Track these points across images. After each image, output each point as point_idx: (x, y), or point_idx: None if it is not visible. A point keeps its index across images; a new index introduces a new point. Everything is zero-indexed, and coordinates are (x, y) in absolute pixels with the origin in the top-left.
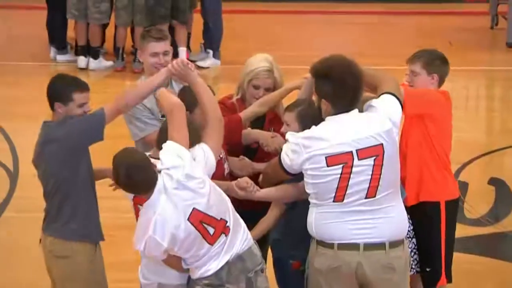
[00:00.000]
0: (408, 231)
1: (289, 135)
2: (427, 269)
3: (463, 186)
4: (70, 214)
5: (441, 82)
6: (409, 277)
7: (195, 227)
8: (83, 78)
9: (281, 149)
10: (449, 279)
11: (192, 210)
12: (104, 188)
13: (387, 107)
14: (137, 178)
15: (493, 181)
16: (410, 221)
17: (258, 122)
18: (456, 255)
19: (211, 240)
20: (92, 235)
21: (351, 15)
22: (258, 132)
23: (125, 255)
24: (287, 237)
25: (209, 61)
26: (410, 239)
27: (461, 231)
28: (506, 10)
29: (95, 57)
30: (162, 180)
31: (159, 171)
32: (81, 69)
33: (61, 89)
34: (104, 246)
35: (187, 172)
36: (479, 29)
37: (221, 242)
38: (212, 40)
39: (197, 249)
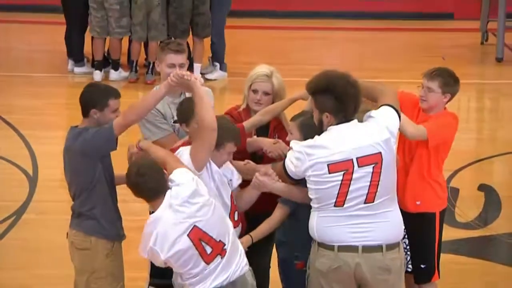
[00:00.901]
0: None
1: (293, 143)
2: (422, 266)
3: (455, 192)
4: (89, 213)
5: (450, 100)
6: None
7: (194, 244)
8: None
9: (285, 155)
10: (439, 275)
11: (193, 227)
12: (119, 192)
13: (385, 118)
14: (147, 178)
15: (482, 187)
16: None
17: (263, 130)
18: (447, 256)
19: (207, 259)
20: (108, 233)
21: (348, 31)
22: (262, 140)
23: (136, 254)
24: (291, 239)
25: (216, 74)
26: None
27: (452, 234)
28: (496, 27)
29: (116, 68)
30: (169, 194)
31: (170, 188)
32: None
33: (98, 96)
34: None
35: (194, 188)
36: (470, 44)
37: (216, 263)
38: (217, 53)
39: (193, 266)
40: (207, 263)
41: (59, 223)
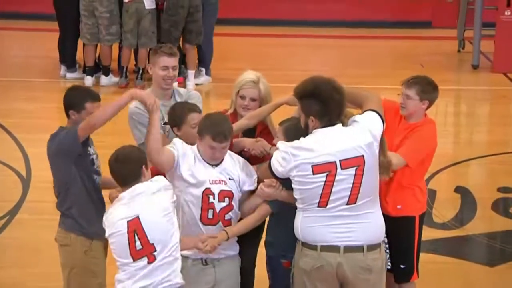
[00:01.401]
0: None
1: (280, 144)
2: (402, 266)
3: (432, 194)
4: (67, 212)
5: (429, 106)
6: None
7: (127, 231)
8: None
9: (267, 152)
10: (418, 274)
11: (135, 217)
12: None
13: (369, 123)
14: (122, 165)
15: (458, 189)
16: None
17: (250, 133)
18: (426, 255)
19: (134, 254)
20: (86, 231)
21: (331, 38)
22: (244, 140)
23: None
24: (278, 239)
25: (202, 78)
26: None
27: (430, 234)
28: (472, 35)
29: (106, 74)
30: (139, 185)
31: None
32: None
33: (75, 99)
34: None
35: (165, 184)
36: (448, 52)
37: (141, 266)
38: (204, 59)
39: (124, 256)
40: (134, 258)
41: (52, 223)
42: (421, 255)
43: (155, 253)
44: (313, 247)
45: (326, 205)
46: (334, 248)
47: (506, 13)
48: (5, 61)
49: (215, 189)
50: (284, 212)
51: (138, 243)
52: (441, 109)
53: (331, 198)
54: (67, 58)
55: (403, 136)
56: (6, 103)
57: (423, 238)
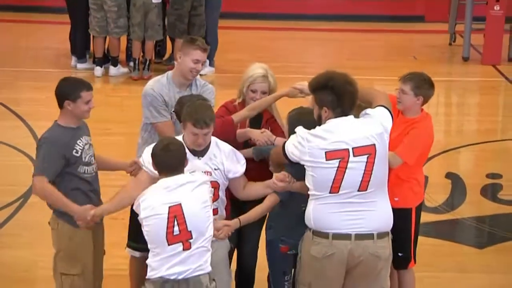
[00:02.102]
0: None
1: (298, 129)
2: (399, 254)
3: (424, 179)
4: None
5: (425, 102)
6: None
7: (168, 216)
8: (102, 84)
9: (272, 143)
10: (415, 262)
11: (177, 204)
12: (117, 178)
13: (380, 115)
14: (172, 153)
15: (449, 175)
16: None
17: (257, 122)
18: (419, 238)
19: (170, 239)
20: (72, 221)
21: (329, 32)
22: (250, 130)
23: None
24: (278, 224)
25: (206, 69)
26: None
27: (422, 217)
28: (463, 29)
29: (115, 65)
30: (185, 174)
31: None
32: (97, 77)
33: (69, 88)
34: (110, 227)
35: (205, 179)
36: (440, 45)
37: (177, 251)
38: (209, 51)
39: (157, 239)
40: (169, 243)
41: None
42: None
43: (190, 241)
44: (325, 235)
45: (338, 190)
46: (345, 236)
47: (495, 8)
48: (17, 52)
49: None
50: (287, 196)
51: (176, 228)
52: (433, 99)
53: (343, 184)
54: (78, 49)
55: (400, 130)
56: (18, 92)
57: None
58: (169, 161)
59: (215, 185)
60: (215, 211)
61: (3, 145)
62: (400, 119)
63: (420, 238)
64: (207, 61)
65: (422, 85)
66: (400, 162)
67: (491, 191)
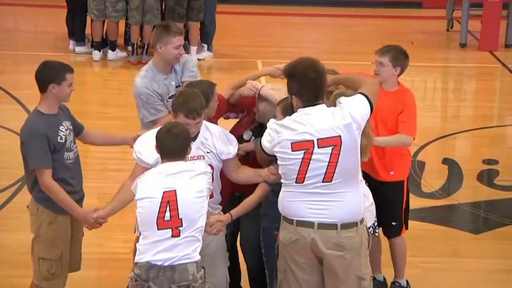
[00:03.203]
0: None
1: (270, 122)
2: (393, 223)
3: (421, 165)
4: (39, 192)
5: (401, 73)
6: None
7: (161, 201)
8: (100, 68)
9: (259, 91)
10: (406, 227)
11: (172, 190)
12: (114, 162)
13: (352, 105)
14: (175, 137)
15: (446, 161)
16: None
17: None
18: (415, 223)
19: (160, 224)
20: (53, 207)
21: (326, 17)
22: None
23: (128, 219)
24: (273, 212)
25: (204, 54)
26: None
27: (419, 203)
28: (460, 15)
29: (113, 49)
30: (187, 165)
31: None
32: (96, 61)
33: (54, 71)
34: None
35: (206, 170)
36: (437, 31)
37: (165, 237)
38: (207, 36)
39: (148, 223)
40: (158, 227)
41: None
42: (411, 222)
43: (180, 228)
44: (290, 221)
45: (303, 181)
46: (308, 224)
47: None
48: (15, 35)
49: None
50: (278, 185)
51: (167, 214)
52: (430, 85)
53: (307, 175)
54: (76, 32)
55: (389, 105)
56: (17, 75)
57: (413, 206)
58: (171, 144)
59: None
60: (210, 195)
61: (2, 128)
62: (381, 92)
63: (416, 223)
64: (205, 46)
65: (399, 57)
66: (412, 140)
67: (487, 177)
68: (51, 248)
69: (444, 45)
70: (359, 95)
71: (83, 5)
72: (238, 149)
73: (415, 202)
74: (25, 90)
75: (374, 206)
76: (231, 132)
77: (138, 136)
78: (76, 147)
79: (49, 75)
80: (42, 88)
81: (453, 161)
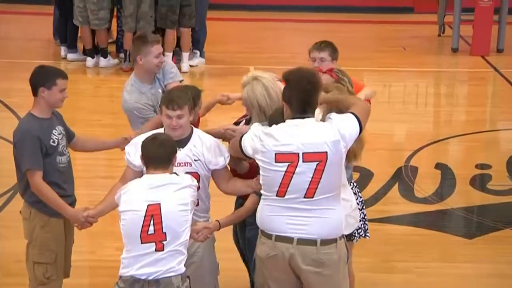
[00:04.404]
0: (360, 202)
1: (254, 125)
2: None
3: (414, 170)
4: (31, 195)
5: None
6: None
7: (145, 214)
8: (93, 75)
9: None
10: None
11: (157, 204)
12: (102, 169)
13: (342, 122)
14: (160, 146)
15: (438, 166)
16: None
17: None
18: (406, 228)
19: (144, 238)
20: (46, 210)
21: (318, 23)
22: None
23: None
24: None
25: (197, 60)
26: (361, 210)
27: (411, 208)
28: (452, 20)
29: (104, 56)
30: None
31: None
32: (88, 67)
33: (46, 76)
34: (101, 218)
35: (191, 183)
36: (429, 36)
37: (149, 251)
38: (198, 42)
39: (131, 237)
40: (142, 241)
41: None
42: (404, 227)
43: (164, 242)
44: (269, 236)
45: (284, 195)
46: (287, 239)
47: None
48: (6, 43)
49: (180, 171)
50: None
51: (151, 228)
52: (422, 90)
53: (289, 189)
54: (68, 39)
55: None
56: (8, 83)
57: (406, 211)
58: (156, 152)
59: (195, 176)
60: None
61: None
62: None
63: (409, 228)
64: (197, 53)
65: (335, 50)
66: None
67: (480, 182)
68: (45, 251)
69: (436, 50)
70: (349, 114)
71: (71, 12)
72: (233, 130)
73: (408, 207)
74: (17, 98)
75: (357, 211)
76: None
77: (126, 139)
78: (68, 152)
79: (40, 79)
80: (34, 91)
81: (446, 166)
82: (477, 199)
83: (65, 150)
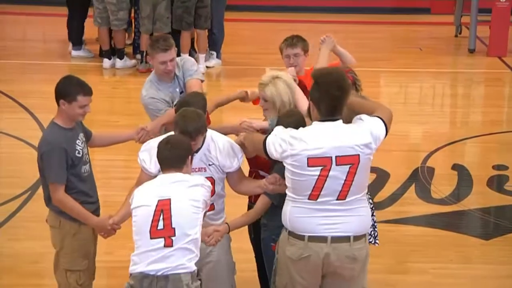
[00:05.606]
0: (371, 208)
1: (278, 129)
2: None
3: (430, 171)
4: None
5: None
6: None
7: (155, 209)
8: (110, 76)
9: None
10: None
11: (167, 199)
12: (119, 170)
13: (372, 124)
14: (173, 148)
15: (455, 167)
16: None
17: None
18: (423, 229)
19: (153, 233)
20: (73, 218)
21: (334, 24)
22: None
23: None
24: (272, 223)
25: (213, 61)
26: (372, 216)
27: (428, 209)
28: (469, 21)
29: (121, 57)
30: (184, 176)
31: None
32: (105, 68)
33: (68, 89)
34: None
35: (203, 183)
36: (445, 37)
37: (158, 247)
38: (215, 43)
39: (142, 232)
40: (151, 236)
41: None
42: (420, 228)
43: (173, 238)
44: (301, 237)
45: (317, 198)
46: (321, 239)
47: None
48: (22, 44)
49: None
50: (279, 198)
51: (161, 223)
52: (438, 91)
53: (322, 192)
54: (73, 36)
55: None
56: (25, 84)
57: (422, 212)
58: (168, 153)
59: (210, 181)
60: (211, 207)
61: (11, 137)
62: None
63: (426, 229)
64: (214, 54)
65: (307, 43)
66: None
67: (497, 183)
68: (78, 258)
69: (453, 51)
70: (377, 118)
71: (82, 9)
72: (250, 123)
73: (425, 208)
74: (34, 99)
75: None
76: None
77: (142, 128)
78: (89, 158)
79: (61, 91)
80: (56, 101)
81: (463, 167)
82: (494, 200)
83: (87, 158)
